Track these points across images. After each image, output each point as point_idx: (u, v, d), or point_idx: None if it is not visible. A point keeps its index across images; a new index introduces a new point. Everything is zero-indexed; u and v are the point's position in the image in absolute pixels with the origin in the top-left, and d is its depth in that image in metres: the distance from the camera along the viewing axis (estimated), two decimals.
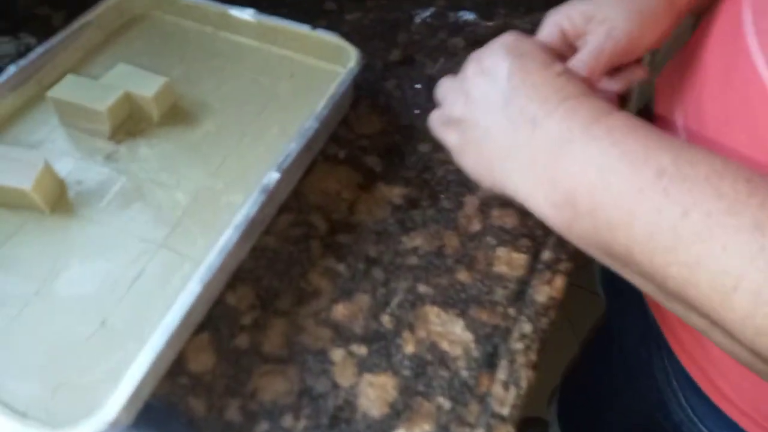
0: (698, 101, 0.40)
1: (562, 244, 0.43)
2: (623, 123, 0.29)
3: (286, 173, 0.42)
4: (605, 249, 0.29)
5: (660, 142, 0.28)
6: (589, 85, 0.36)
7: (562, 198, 0.29)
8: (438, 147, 0.50)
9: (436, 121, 0.39)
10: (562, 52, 0.41)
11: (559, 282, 0.41)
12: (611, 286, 0.61)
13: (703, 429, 0.45)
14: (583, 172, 0.28)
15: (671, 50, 0.50)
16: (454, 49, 0.59)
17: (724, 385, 0.41)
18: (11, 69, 0.48)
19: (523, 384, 0.36)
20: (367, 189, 0.48)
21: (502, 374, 0.37)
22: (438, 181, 0.48)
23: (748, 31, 0.35)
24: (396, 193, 0.47)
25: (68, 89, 0.46)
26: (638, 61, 0.43)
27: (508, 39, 0.36)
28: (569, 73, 0.33)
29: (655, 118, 0.45)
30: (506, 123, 0.32)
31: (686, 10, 0.41)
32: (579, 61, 0.38)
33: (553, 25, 0.40)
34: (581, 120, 0.30)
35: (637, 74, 0.44)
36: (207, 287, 0.36)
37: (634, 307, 0.52)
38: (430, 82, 0.56)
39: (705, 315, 0.25)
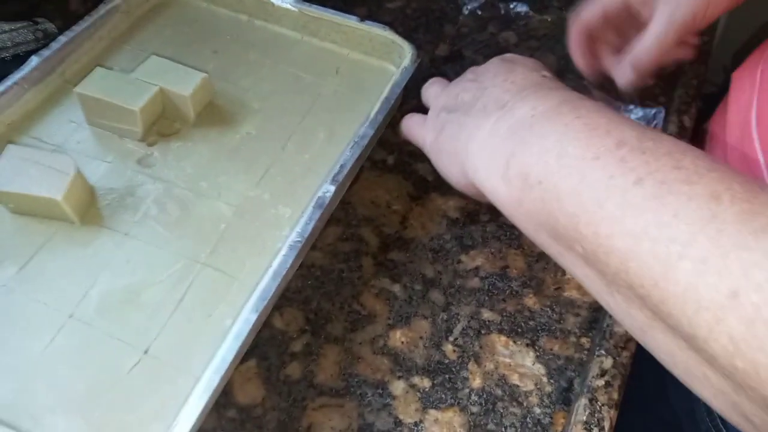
0: None
1: None
2: (594, 105, 0.28)
3: (339, 186, 0.38)
4: (551, 225, 0.27)
5: (628, 121, 0.27)
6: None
7: (516, 171, 0.28)
8: None
9: (414, 124, 0.39)
10: (622, 19, 0.42)
11: None
12: None
13: None
14: (540, 144, 0.27)
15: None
16: (505, 44, 0.55)
17: None
18: (33, 60, 0.44)
19: (606, 425, 0.34)
20: (420, 200, 0.44)
21: (581, 414, 0.34)
22: None
23: None
24: (451, 205, 0.44)
25: (97, 84, 0.42)
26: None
27: (505, 54, 0.37)
28: (555, 79, 0.33)
29: (727, 109, 0.44)
30: (480, 113, 0.32)
31: None
32: (643, 50, 0.39)
33: None
34: (551, 102, 0.29)
35: (684, 54, 0.43)
36: (260, 315, 0.33)
37: None
38: None
39: (645, 297, 0.23)
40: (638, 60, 0.39)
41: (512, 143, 0.28)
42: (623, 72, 0.41)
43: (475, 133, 0.31)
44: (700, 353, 0.22)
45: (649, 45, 0.38)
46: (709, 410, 0.47)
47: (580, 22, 0.42)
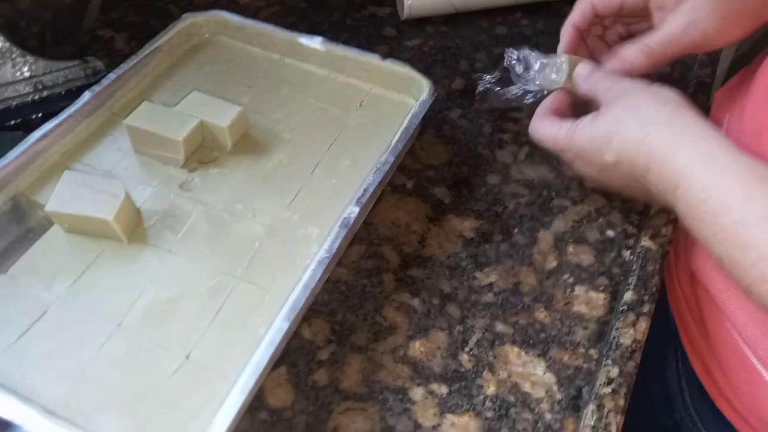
0: (741, 114, 0.44)
1: (644, 284, 0.42)
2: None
3: (363, 207, 0.42)
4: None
5: None
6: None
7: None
8: (507, 179, 0.50)
9: (550, 132, 0.42)
10: (638, 12, 0.44)
11: (644, 325, 0.40)
12: None
13: (702, 429, 0.48)
14: None
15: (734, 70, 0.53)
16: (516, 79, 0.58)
17: (725, 387, 0.44)
18: (86, 95, 0.48)
19: (613, 429, 0.36)
20: (437, 221, 0.47)
21: (589, 419, 0.36)
22: (510, 214, 0.48)
23: None
24: (467, 226, 0.47)
25: (144, 117, 0.46)
26: None
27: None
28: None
29: None
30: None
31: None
32: (645, 45, 0.41)
33: None
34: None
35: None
36: (291, 324, 0.36)
37: (658, 309, 0.53)
38: (494, 112, 0.55)
39: None
40: (648, 48, 0.41)
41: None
42: (632, 56, 0.42)
43: None
44: None
45: (644, 48, 0.41)
46: (684, 401, 0.50)
47: (572, 15, 0.46)
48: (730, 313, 0.42)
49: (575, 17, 0.46)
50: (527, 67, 0.45)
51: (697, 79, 0.57)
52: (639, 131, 0.36)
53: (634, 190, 0.40)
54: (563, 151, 0.42)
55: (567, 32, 0.46)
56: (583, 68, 0.43)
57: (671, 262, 0.53)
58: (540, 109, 0.45)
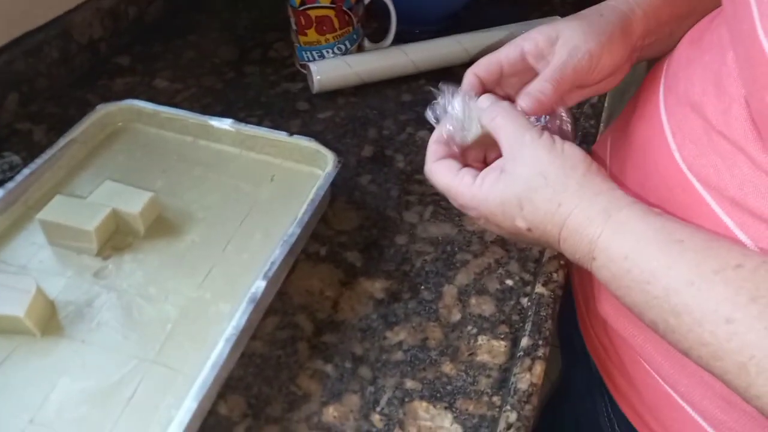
0: (622, 168, 0.46)
1: (538, 329, 0.45)
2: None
3: (271, 280, 0.44)
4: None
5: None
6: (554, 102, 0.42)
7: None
8: (414, 238, 0.53)
9: (449, 178, 0.41)
10: (518, 71, 0.45)
11: (539, 368, 0.43)
12: (565, 338, 0.64)
13: None
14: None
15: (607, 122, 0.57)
16: (422, 143, 0.63)
17: (657, 427, 0.45)
18: None
19: None
20: (349, 285, 0.50)
21: None
22: (417, 272, 0.50)
23: (663, 119, 0.40)
24: (377, 287, 0.49)
25: (57, 211, 0.48)
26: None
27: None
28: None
29: None
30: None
31: (639, 47, 0.45)
32: (545, 78, 0.42)
33: (515, 46, 0.44)
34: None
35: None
36: (202, 403, 0.37)
37: (581, 358, 0.56)
38: (401, 176, 0.59)
39: None
40: (550, 79, 0.41)
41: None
42: (539, 90, 0.42)
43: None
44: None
45: (544, 81, 0.41)
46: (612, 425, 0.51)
47: (477, 66, 0.45)
48: (646, 355, 0.44)
49: (466, 91, 0.45)
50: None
51: (583, 130, 0.62)
52: (551, 200, 0.36)
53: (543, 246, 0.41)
54: (467, 209, 0.41)
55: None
56: (485, 101, 0.42)
57: (582, 313, 0.55)
58: (433, 147, 0.43)
